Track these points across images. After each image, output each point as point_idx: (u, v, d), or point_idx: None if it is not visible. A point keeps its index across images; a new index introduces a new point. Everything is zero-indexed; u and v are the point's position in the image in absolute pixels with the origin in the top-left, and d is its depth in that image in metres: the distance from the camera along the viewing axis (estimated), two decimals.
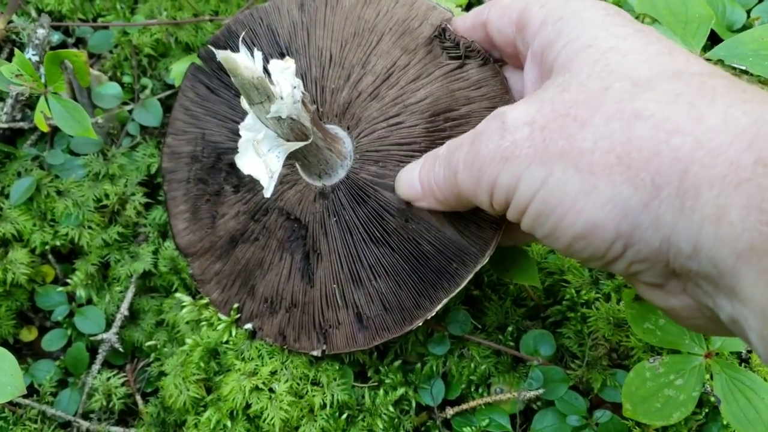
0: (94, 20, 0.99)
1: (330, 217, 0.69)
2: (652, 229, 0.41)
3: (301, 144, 0.62)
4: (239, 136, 0.61)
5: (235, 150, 0.66)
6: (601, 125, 0.43)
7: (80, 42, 0.99)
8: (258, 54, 0.56)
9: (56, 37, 0.95)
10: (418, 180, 0.59)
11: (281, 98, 0.58)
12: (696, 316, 0.46)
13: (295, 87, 0.59)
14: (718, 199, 0.37)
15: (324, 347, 0.72)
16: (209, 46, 0.78)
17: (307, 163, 0.67)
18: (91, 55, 0.97)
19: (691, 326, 0.49)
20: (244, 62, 0.55)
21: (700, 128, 0.39)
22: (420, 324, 0.66)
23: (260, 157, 0.61)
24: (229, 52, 0.54)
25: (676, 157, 0.39)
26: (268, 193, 0.60)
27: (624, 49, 0.47)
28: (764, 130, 0.38)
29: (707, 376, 0.69)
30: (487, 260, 0.63)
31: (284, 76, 0.59)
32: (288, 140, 0.61)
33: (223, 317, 0.77)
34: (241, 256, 0.76)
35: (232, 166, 0.75)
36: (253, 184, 0.75)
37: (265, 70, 0.58)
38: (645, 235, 0.42)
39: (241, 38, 0.59)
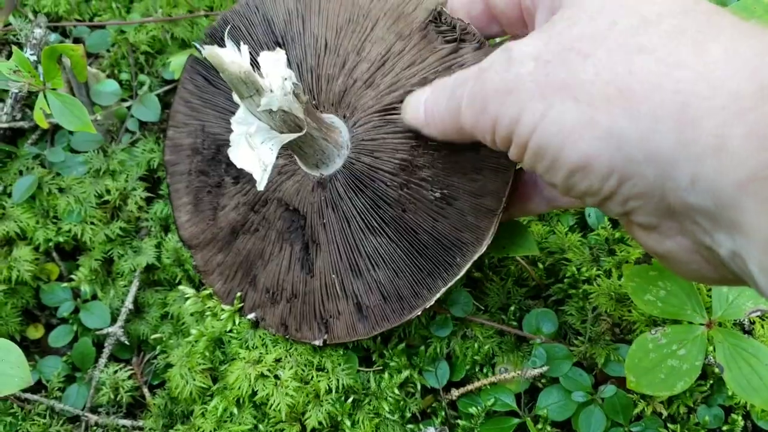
0: (91, 20, 0.99)
1: (327, 207, 0.69)
2: (647, 162, 0.41)
3: (294, 135, 0.61)
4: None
5: None
6: (604, 58, 0.42)
7: (78, 42, 0.99)
8: (245, 48, 0.56)
9: (53, 38, 0.96)
10: (423, 107, 0.59)
11: (271, 91, 0.57)
12: (693, 260, 0.46)
13: (285, 78, 0.58)
14: (717, 129, 0.37)
15: (325, 337, 0.72)
16: (205, 38, 0.79)
17: (304, 153, 0.67)
18: (89, 55, 0.98)
19: (689, 273, 0.48)
20: (230, 57, 0.54)
21: (702, 61, 0.39)
22: (419, 313, 0.66)
23: (253, 150, 0.60)
24: (215, 47, 0.54)
25: (676, 89, 0.39)
26: (261, 186, 0.59)
27: None
28: None
29: (710, 348, 0.69)
30: (484, 249, 0.63)
31: (275, 67, 0.58)
32: (281, 132, 0.61)
33: (226, 307, 0.78)
34: (242, 247, 0.76)
35: None
36: (252, 176, 0.75)
37: (256, 63, 0.57)
38: (639, 169, 0.41)
39: (226, 32, 0.57)
